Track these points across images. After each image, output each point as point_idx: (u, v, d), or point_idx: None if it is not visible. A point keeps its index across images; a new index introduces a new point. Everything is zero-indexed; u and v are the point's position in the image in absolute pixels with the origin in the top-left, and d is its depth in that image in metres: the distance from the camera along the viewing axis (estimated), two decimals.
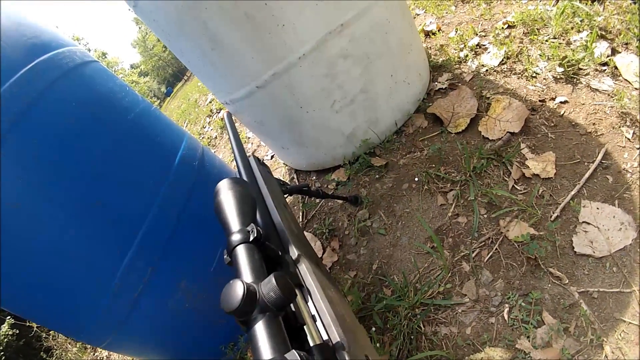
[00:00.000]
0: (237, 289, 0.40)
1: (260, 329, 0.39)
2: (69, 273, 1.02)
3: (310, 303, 0.53)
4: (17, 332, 3.37)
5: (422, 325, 1.07)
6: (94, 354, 2.60)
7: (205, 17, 1.11)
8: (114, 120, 1.12)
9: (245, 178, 0.85)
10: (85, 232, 1.01)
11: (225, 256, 0.54)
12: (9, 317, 3.24)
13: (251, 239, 0.53)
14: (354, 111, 1.42)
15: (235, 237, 0.53)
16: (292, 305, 0.47)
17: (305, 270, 0.59)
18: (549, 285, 0.98)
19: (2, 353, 3.19)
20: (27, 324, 3.06)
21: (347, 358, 0.43)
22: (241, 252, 0.51)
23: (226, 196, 0.61)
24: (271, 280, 0.42)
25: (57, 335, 2.95)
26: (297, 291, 0.48)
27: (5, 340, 3.26)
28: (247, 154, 0.97)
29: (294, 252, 0.64)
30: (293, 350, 0.36)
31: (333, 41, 1.22)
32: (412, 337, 1.06)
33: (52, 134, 0.96)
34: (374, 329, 1.13)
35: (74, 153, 0.99)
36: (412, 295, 1.12)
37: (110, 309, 1.07)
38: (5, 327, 3.33)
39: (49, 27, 1.15)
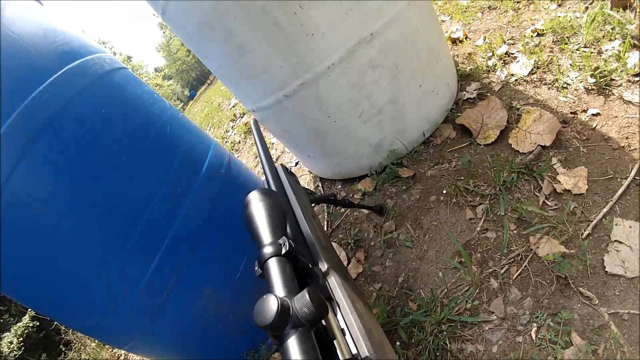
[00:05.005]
0: (271, 304, 0.41)
1: (293, 344, 0.39)
2: (96, 276, 1.03)
3: (339, 316, 0.53)
4: (38, 324, 3.46)
5: (447, 342, 1.05)
6: (112, 350, 2.64)
7: (233, 26, 1.12)
8: (142, 127, 1.13)
9: (273, 188, 0.85)
10: (113, 239, 1.02)
11: (256, 268, 0.54)
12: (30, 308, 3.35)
13: (283, 252, 0.53)
14: (382, 121, 1.41)
15: (267, 250, 0.53)
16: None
17: (334, 283, 0.59)
18: (579, 305, 0.95)
19: (22, 344, 3.28)
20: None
21: None
22: (273, 266, 0.51)
23: (257, 208, 0.61)
24: (304, 295, 0.42)
25: None
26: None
27: (26, 331, 3.36)
28: (275, 162, 0.97)
29: (323, 265, 0.63)
30: None
31: (362, 51, 1.21)
32: (437, 353, 1.04)
33: (81, 139, 0.97)
34: (398, 343, 1.11)
35: (103, 159, 1.00)
36: (439, 310, 1.10)
37: (134, 313, 1.08)
38: (26, 318, 3.43)
39: (78, 34, 1.17)
